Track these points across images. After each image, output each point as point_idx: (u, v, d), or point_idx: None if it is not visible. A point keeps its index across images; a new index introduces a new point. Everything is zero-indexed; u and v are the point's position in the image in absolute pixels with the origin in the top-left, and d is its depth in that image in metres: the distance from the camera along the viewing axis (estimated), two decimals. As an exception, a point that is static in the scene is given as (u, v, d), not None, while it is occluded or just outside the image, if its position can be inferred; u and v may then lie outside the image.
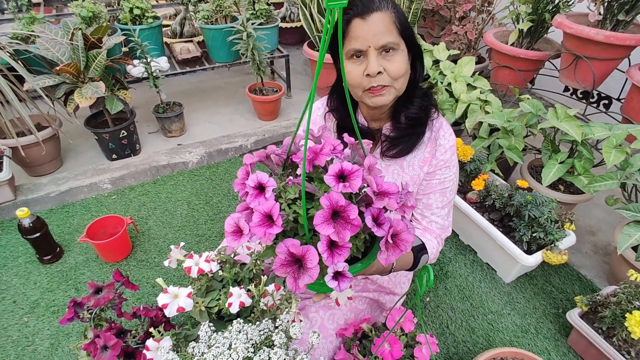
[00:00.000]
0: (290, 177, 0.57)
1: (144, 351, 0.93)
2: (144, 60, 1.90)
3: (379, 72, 0.76)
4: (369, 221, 0.52)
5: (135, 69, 2.05)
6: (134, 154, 1.99)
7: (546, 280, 1.47)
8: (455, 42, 2.32)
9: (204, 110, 2.43)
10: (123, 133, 1.89)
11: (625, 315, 1.05)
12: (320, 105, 1.01)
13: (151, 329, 0.94)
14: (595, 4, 1.59)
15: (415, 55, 0.84)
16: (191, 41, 2.40)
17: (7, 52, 1.54)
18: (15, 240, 1.54)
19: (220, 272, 1.11)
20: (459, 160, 1.43)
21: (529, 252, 1.33)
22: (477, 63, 2.30)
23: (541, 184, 1.43)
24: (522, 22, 1.92)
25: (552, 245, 1.30)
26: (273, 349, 0.71)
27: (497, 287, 1.44)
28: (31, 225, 1.36)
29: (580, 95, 1.93)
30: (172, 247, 1.11)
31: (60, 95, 1.65)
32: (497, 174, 1.60)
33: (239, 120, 2.34)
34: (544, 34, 1.97)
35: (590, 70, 1.65)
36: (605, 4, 1.58)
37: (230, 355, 0.69)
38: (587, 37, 1.57)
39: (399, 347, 0.98)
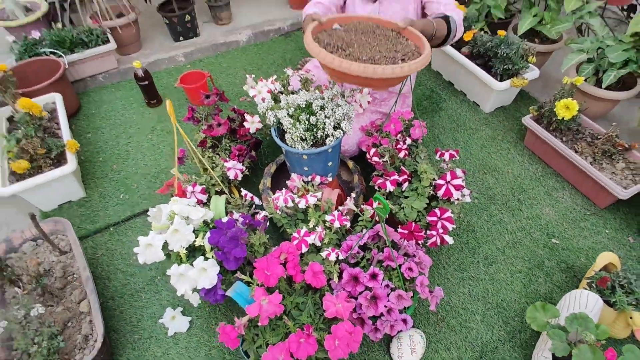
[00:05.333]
0: None
1: (244, 123, 1.51)
2: (198, -46, 2.31)
3: None
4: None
5: (190, -37, 2.46)
6: (195, 36, 2.49)
7: (517, 110, 1.97)
8: None
9: (244, 3, 2.85)
10: (187, 17, 2.37)
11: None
12: None
13: (246, 115, 1.51)
14: None
15: None
16: (230, -61, 2.75)
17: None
18: (127, 94, 2.14)
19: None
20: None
21: (500, 81, 1.81)
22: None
23: (518, 36, 1.87)
24: None
25: (518, 74, 1.77)
26: (325, 98, 1.26)
27: (478, 114, 1.96)
28: (142, 74, 1.92)
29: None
30: (247, 75, 1.65)
31: (142, -18, 2.12)
32: (486, 32, 2.03)
33: (274, 10, 2.76)
34: None
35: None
36: None
37: (301, 97, 1.25)
38: None
39: (400, 125, 1.53)
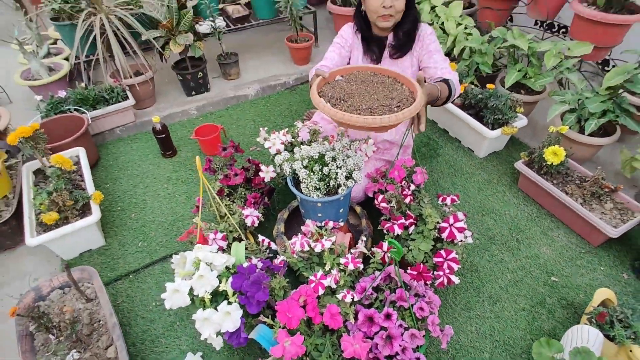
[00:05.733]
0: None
1: (259, 173, 1.63)
2: (210, 18, 2.55)
3: (391, 6, 1.40)
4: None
5: (202, 26, 2.69)
6: (206, 91, 2.67)
7: (509, 155, 2.12)
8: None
9: (251, 60, 3.08)
10: (200, 74, 2.56)
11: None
12: (350, 27, 1.65)
13: (261, 166, 1.63)
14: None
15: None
16: (239, 3, 3.02)
17: (126, 15, 2.21)
18: (142, 145, 2.27)
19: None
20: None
21: (492, 130, 1.97)
22: (467, 7, 2.86)
23: (505, 88, 2.05)
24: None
25: (508, 123, 1.93)
26: (335, 149, 1.39)
27: (473, 160, 2.10)
28: (160, 128, 2.07)
29: (546, 27, 2.49)
30: (260, 128, 1.79)
31: (161, 44, 2.32)
32: (476, 86, 2.22)
33: (279, 66, 2.98)
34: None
35: (545, 4, 2.22)
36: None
37: (314, 150, 1.37)
38: (541, -22, 2.13)
39: (403, 172, 1.65)
